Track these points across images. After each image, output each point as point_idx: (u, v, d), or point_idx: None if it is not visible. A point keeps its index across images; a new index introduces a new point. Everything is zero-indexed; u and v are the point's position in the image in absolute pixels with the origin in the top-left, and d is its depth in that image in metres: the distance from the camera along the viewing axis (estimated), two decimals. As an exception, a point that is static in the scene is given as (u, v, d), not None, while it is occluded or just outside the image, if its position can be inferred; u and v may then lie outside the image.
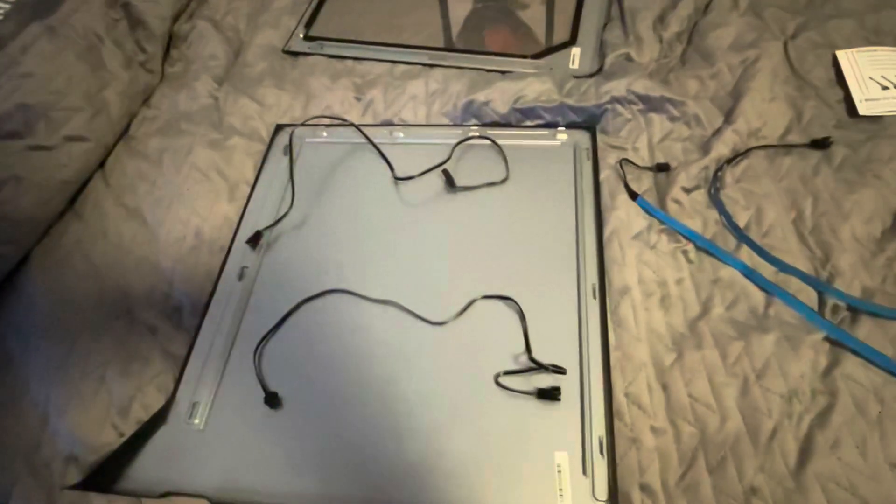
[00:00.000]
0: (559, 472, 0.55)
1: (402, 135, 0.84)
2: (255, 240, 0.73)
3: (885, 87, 0.77)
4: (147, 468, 0.59)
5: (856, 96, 0.78)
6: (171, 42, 1.01)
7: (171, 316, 0.69)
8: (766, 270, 0.65)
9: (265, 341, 0.66)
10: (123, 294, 0.71)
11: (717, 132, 0.77)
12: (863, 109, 0.77)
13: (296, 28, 1.02)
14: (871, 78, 0.79)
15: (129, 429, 0.61)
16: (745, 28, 0.88)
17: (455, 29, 1.00)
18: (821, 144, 0.74)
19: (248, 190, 0.80)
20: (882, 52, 0.81)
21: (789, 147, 0.75)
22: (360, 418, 0.60)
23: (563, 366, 0.60)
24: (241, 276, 0.72)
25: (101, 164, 0.85)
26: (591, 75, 0.86)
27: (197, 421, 0.61)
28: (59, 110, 0.79)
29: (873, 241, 0.66)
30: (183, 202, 0.78)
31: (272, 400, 0.61)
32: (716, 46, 0.86)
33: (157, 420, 0.62)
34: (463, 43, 0.96)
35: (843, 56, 0.82)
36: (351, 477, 0.57)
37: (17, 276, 0.75)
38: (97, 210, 0.80)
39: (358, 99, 0.88)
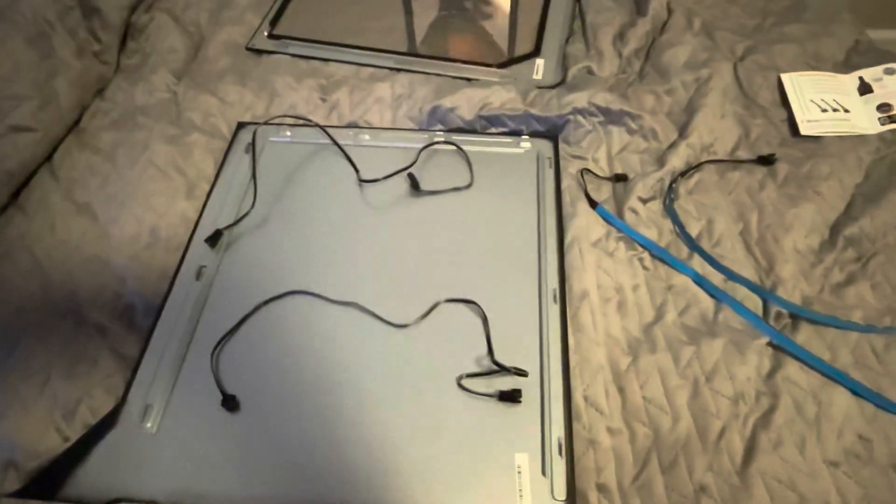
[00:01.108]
0: (519, 472, 0.56)
1: (367, 137, 0.83)
2: (214, 239, 0.72)
3: (823, 110, 0.83)
4: (95, 474, 0.56)
5: (798, 117, 0.83)
6: (128, 33, 0.97)
7: (122, 316, 0.67)
8: (716, 278, 0.69)
9: (223, 343, 0.64)
10: (71, 292, 0.68)
11: (672, 146, 0.80)
12: (804, 129, 0.82)
13: (260, 25, 1.00)
14: (812, 100, 0.84)
15: (75, 433, 0.58)
16: (699, 48, 0.93)
17: (419, 36, 1.00)
18: (766, 161, 0.79)
19: (208, 188, 0.78)
20: (822, 77, 0.87)
21: (738, 162, 0.80)
22: (320, 421, 0.59)
23: (525, 368, 0.61)
24: (198, 276, 0.70)
25: (49, 157, 0.82)
26: (553, 86, 0.88)
27: (150, 424, 0.59)
28: (3, 98, 0.75)
29: (812, 253, 0.71)
30: (138, 199, 0.75)
31: (230, 403, 0.60)
32: (671, 64, 0.90)
33: (107, 424, 0.59)
34: (427, 50, 0.97)
35: (787, 79, 0.87)
36: (310, 480, 0.56)
37: (-47, 271, 0.71)
38: (43, 204, 0.77)
39: (323, 100, 0.87)
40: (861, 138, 0.81)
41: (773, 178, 0.77)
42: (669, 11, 0.99)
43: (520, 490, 0.55)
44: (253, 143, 0.81)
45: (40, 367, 0.62)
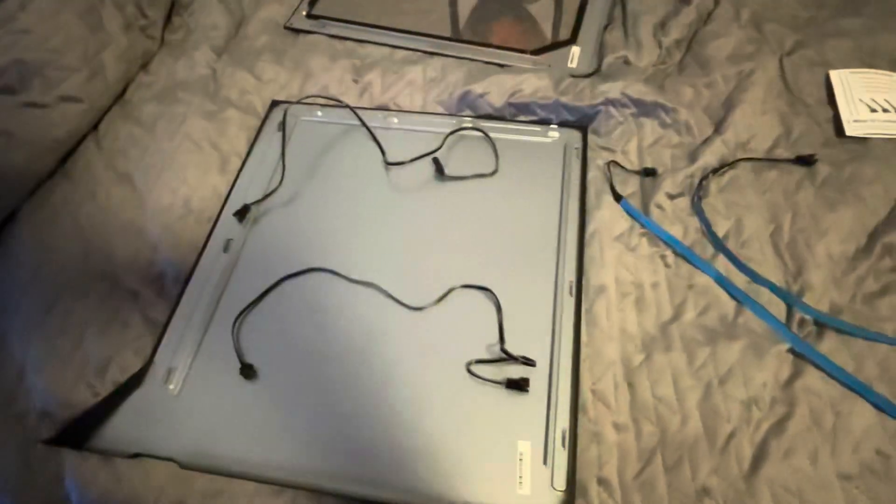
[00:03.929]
0: (521, 460, 0.56)
1: (396, 120, 0.84)
2: (242, 213, 0.74)
3: (873, 110, 0.79)
4: (120, 429, 0.60)
5: (844, 116, 0.79)
6: (173, 9, 1.00)
7: (153, 282, 0.70)
8: (740, 280, 0.67)
9: (245, 314, 0.67)
10: (108, 257, 0.72)
11: (706, 141, 0.78)
12: (850, 130, 0.78)
13: (299, 5, 1.01)
14: (860, 99, 0.80)
15: (105, 389, 0.62)
16: (745, 40, 0.89)
17: (462, 17, 1.00)
18: (806, 161, 0.75)
19: (240, 163, 0.81)
20: (874, 75, 0.82)
21: (775, 161, 0.77)
22: (331, 394, 0.61)
23: (534, 358, 0.61)
24: (226, 248, 0.72)
25: (95, 127, 0.85)
26: (588, 75, 0.87)
27: (172, 386, 0.62)
28: (55, 69, 0.79)
29: (846, 260, 0.68)
30: (173, 170, 0.78)
31: (247, 371, 0.62)
32: (713, 56, 0.87)
33: (133, 383, 0.63)
34: (466, 33, 0.96)
35: (836, 76, 0.83)
36: (319, 450, 0.58)
37: (4, 231, 0.75)
38: (87, 172, 0.81)
39: (356, 81, 0.88)
40: (913, 142, 0.77)
41: (812, 180, 0.74)
42: (717, 1, 0.95)
43: (520, 477, 0.56)
44: (283, 122, 0.82)
45: (76, 325, 0.66)
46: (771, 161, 0.77)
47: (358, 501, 0.56)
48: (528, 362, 0.60)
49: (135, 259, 0.72)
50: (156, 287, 0.70)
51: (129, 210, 0.76)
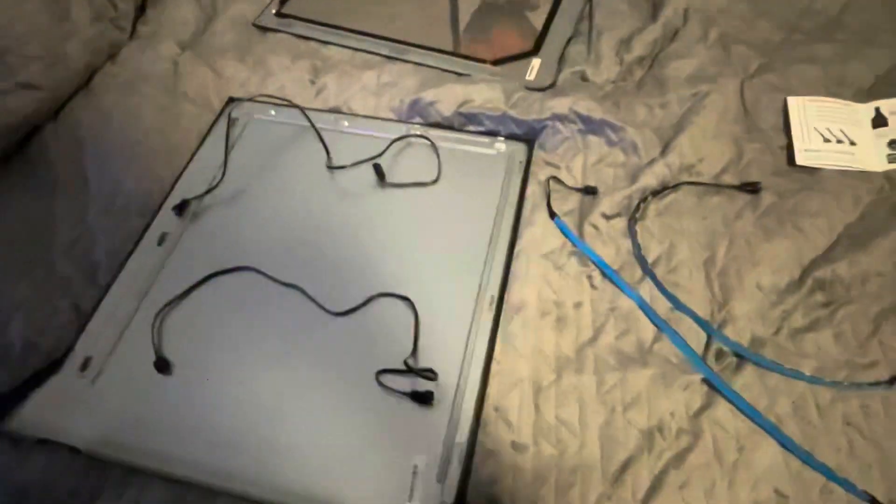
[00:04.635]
0: (414, 473, 0.56)
1: (346, 123, 0.84)
2: (181, 207, 0.75)
3: (826, 140, 0.77)
4: (33, 413, 0.61)
5: (797, 145, 0.77)
6: (147, 1, 1.02)
7: (87, 270, 0.71)
8: (663, 306, 0.66)
9: (168, 308, 0.68)
10: (48, 242, 0.73)
11: (651, 163, 0.77)
12: (800, 159, 0.76)
13: (270, 3, 1.02)
14: (815, 128, 0.78)
15: (24, 373, 0.63)
16: (708, 61, 0.87)
17: (426, 25, 0.99)
18: (750, 188, 0.74)
19: (188, 158, 0.82)
20: (833, 104, 0.81)
21: (719, 187, 0.75)
22: (243, 395, 0.62)
23: (444, 372, 0.61)
24: (160, 242, 0.73)
25: (56, 113, 0.87)
26: (542, 89, 0.86)
27: (88, 375, 0.64)
28: (15, 56, 0.81)
29: (775, 292, 0.66)
30: (121, 162, 0.80)
31: (161, 365, 0.63)
32: (673, 76, 0.86)
33: (51, 369, 0.64)
34: (427, 40, 0.96)
35: (794, 102, 0.81)
36: (222, 450, 0.59)
37: (-44, 212, 0.78)
38: (43, 157, 0.82)
39: (312, 82, 0.89)
40: (864, 175, 0.75)
41: (754, 208, 0.73)
42: (686, 19, 0.94)
43: (411, 490, 0.56)
44: (228, 119, 0.83)
45: (6, 309, 0.67)
46: (715, 186, 0.76)
47: (249, 503, 0.56)
48: (429, 376, 0.60)
49: (73, 246, 0.73)
50: (89, 275, 0.71)
51: (74, 198, 0.77)
